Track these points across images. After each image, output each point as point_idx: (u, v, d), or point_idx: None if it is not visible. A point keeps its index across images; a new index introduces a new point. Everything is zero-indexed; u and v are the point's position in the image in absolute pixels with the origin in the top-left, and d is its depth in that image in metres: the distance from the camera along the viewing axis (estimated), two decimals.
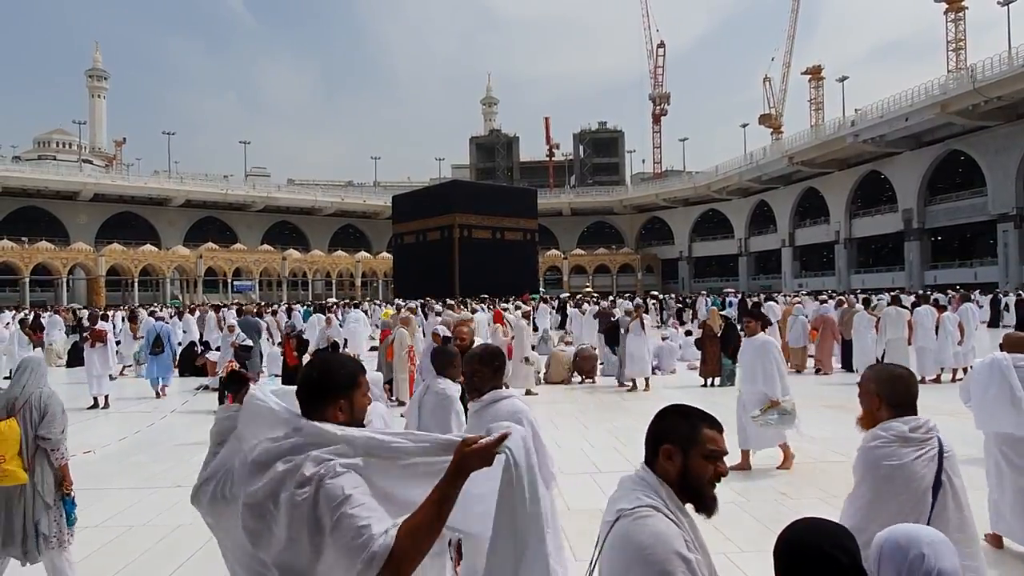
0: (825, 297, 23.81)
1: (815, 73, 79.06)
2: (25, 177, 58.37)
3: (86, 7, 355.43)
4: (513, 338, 12.93)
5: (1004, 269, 42.73)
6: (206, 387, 13.19)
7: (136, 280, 57.04)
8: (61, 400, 4.15)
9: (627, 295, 48.15)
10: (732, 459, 6.25)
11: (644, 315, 13.70)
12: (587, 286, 63.42)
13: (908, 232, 50.64)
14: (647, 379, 13.09)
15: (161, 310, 24.78)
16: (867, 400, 2.69)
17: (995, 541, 4.71)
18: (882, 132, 47.85)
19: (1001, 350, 4.81)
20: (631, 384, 13.10)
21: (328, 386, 1.91)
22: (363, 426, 1.93)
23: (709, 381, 13.16)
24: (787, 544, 1.65)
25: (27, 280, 52.11)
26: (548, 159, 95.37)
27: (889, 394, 2.64)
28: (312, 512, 1.63)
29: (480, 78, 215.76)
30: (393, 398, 11.49)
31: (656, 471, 1.82)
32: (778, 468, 7.00)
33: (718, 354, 13.09)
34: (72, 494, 4.13)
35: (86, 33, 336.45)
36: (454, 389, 3.90)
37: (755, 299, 27.22)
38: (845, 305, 15.85)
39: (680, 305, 32.59)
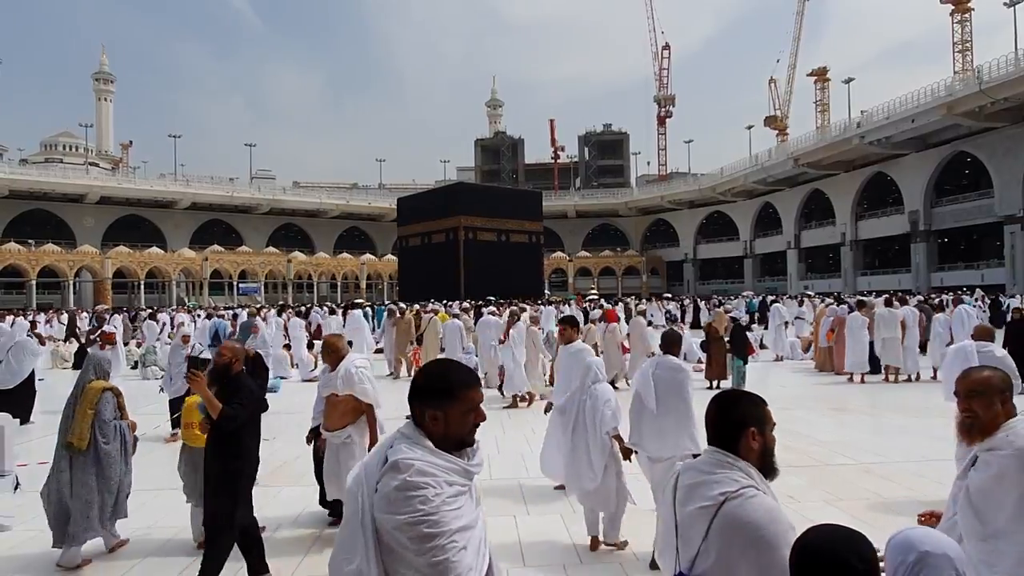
0: (874, 299, 22.97)
1: (821, 75, 78.87)
2: (32, 180, 58.70)
3: (93, 11, 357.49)
4: (628, 335, 13.51)
5: (1011, 271, 42.50)
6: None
7: (142, 282, 57.25)
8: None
9: (632, 296, 48.11)
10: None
11: (516, 324, 12.55)
12: (592, 288, 63.47)
13: (914, 234, 50.46)
14: (528, 395, 11.80)
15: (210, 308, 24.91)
16: (989, 402, 2.44)
17: None
18: (888, 134, 47.69)
19: (972, 339, 6.15)
20: (511, 401, 11.79)
21: (420, 392, 1.89)
22: (466, 443, 1.89)
23: (715, 383, 13.08)
24: (802, 548, 1.65)
25: (33, 282, 52.35)
26: (553, 161, 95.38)
27: (1010, 393, 2.49)
28: None
29: (486, 81, 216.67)
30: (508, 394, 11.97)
31: (738, 453, 1.97)
32: None
33: (724, 356, 13.03)
34: None
35: (93, 36, 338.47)
36: (685, 363, 4.93)
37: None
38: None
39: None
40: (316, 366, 15.72)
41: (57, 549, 4.76)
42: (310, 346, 16.88)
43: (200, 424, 4.45)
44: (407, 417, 1.90)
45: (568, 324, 6.07)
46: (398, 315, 16.57)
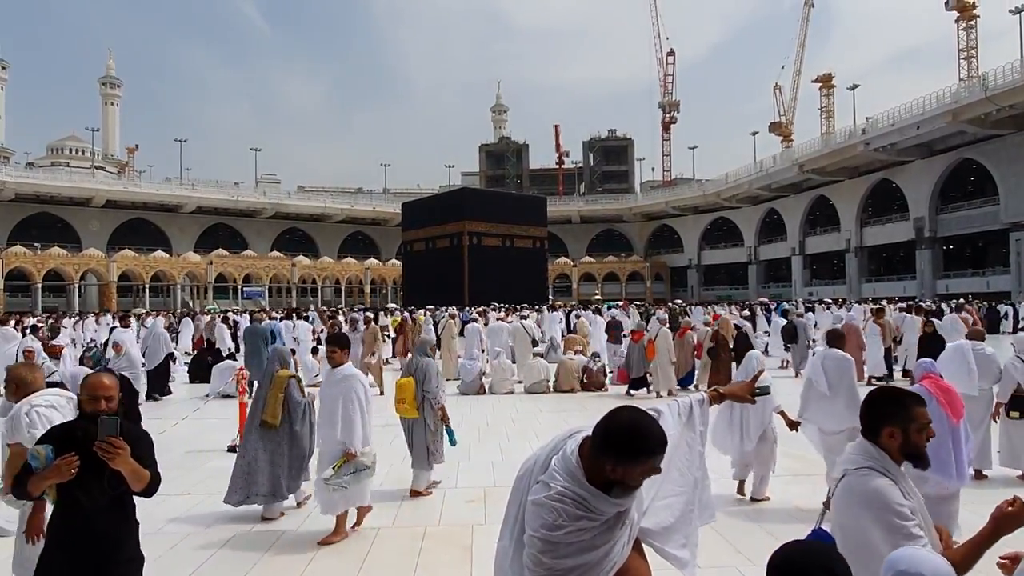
0: (904, 305, 21.98)
1: (826, 81, 78.87)
2: (38, 183, 58.96)
3: (100, 15, 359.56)
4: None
5: (1017, 278, 42.35)
6: (220, 395, 13.22)
7: (147, 286, 57.41)
8: (437, 366, 6.73)
9: (636, 303, 48.06)
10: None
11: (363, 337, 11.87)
12: (596, 294, 63.45)
13: (920, 241, 50.33)
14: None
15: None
16: None
17: (977, 475, 6.63)
18: (893, 140, 47.62)
19: (966, 339, 7.24)
20: None
21: (622, 449, 1.95)
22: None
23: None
24: (776, 560, 1.72)
25: (39, 286, 52.53)
26: (558, 167, 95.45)
27: None
28: None
29: (491, 86, 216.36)
30: (653, 390, 12.75)
31: (877, 444, 2.27)
32: (320, 543, 5.25)
33: (730, 363, 12.97)
34: (449, 423, 6.67)
35: (100, 41, 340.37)
36: (848, 355, 6.06)
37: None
38: (869, 313, 15.93)
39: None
40: (320, 371, 15.73)
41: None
42: (315, 351, 16.90)
43: (401, 403, 6.43)
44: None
45: (337, 345, 5.60)
46: (362, 324, 14.51)
